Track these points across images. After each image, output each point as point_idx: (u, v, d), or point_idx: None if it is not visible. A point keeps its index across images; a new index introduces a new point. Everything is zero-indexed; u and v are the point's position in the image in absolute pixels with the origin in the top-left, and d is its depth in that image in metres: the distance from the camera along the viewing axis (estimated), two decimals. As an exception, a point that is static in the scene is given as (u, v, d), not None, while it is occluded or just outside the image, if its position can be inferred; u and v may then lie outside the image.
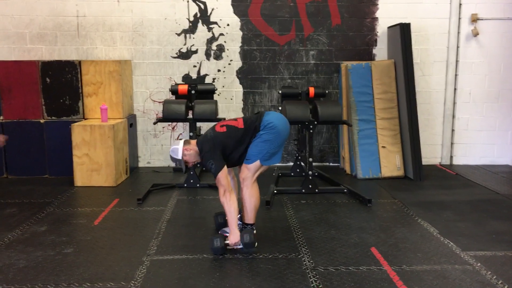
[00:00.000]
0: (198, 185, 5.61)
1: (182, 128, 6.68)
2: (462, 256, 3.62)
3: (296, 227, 4.27)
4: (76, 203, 5.07)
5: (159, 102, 6.59)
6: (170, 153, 3.85)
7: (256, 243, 3.71)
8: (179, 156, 3.79)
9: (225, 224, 4.03)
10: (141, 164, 6.75)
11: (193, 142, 3.86)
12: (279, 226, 4.31)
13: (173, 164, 6.69)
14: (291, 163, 6.56)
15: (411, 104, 5.92)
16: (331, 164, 6.83)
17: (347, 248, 3.79)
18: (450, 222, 4.38)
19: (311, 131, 5.29)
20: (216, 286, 3.16)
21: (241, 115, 6.64)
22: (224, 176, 3.66)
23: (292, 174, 6.17)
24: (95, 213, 4.70)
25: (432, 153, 6.81)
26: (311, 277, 3.28)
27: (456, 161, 6.85)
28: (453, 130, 6.79)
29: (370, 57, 6.61)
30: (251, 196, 3.82)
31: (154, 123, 5.58)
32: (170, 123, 6.60)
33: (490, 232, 4.14)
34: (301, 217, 4.54)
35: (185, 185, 5.61)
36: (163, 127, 6.69)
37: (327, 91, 5.87)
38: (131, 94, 6.51)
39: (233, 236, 3.69)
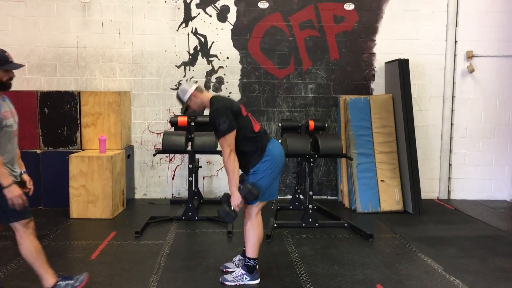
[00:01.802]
0: (196, 218, 5.53)
1: (180, 159, 6.63)
2: (469, 294, 3.57)
3: (298, 263, 4.19)
4: (72, 236, 4.95)
5: (158, 133, 6.56)
6: (178, 91, 3.77)
7: (257, 193, 3.58)
8: (185, 98, 3.72)
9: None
10: (138, 196, 6.66)
11: (207, 94, 3.78)
12: (281, 261, 4.23)
13: (169, 195, 6.62)
14: (290, 196, 6.51)
15: (410, 138, 5.94)
16: (329, 197, 6.79)
17: (352, 285, 3.72)
18: (453, 259, 4.33)
19: (311, 164, 5.27)
20: (220, 324, 3.07)
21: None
22: (233, 136, 3.54)
23: (291, 207, 6.11)
24: (92, 246, 4.59)
25: (429, 187, 6.81)
26: (318, 315, 3.19)
27: (453, 196, 6.84)
28: (450, 164, 6.81)
29: (368, 91, 6.68)
30: (254, 229, 3.74)
31: (154, 155, 5.53)
32: (167, 154, 6.55)
33: (495, 269, 4.09)
34: (302, 252, 4.46)
35: (183, 217, 5.52)
36: (161, 159, 6.63)
37: (326, 125, 5.88)
38: (129, 125, 6.48)
39: (235, 199, 3.56)
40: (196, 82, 3.89)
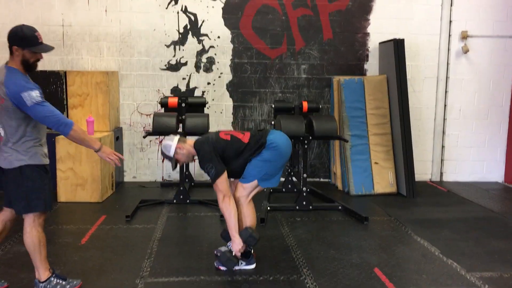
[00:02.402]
0: (188, 201, 5.42)
1: (170, 142, 6.48)
2: (468, 277, 3.52)
3: (294, 246, 4.11)
4: (60, 220, 4.82)
5: (147, 115, 6.40)
6: (161, 148, 3.67)
7: (258, 236, 3.58)
8: (171, 154, 3.60)
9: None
10: (127, 178, 6.52)
11: (189, 141, 3.67)
12: (276, 245, 4.16)
13: (159, 178, 6.50)
14: (282, 179, 6.41)
15: (404, 120, 5.86)
16: (321, 179, 6.72)
17: (350, 269, 3.66)
18: (450, 241, 4.29)
19: (305, 146, 5.17)
20: (217, 311, 2.98)
21: (230, 128, 6.49)
22: (223, 180, 3.49)
23: (284, 190, 6.03)
24: (81, 231, 4.46)
25: (422, 169, 6.76)
26: (316, 301, 3.13)
27: (446, 178, 6.82)
28: (443, 146, 6.77)
29: (362, 72, 6.56)
30: (247, 215, 3.67)
31: (144, 137, 5.38)
32: (157, 136, 6.40)
33: (492, 251, 4.06)
34: (298, 236, 4.39)
35: (175, 201, 5.41)
36: (150, 141, 6.48)
37: (320, 106, 5.76)
38: (117, 106, 6.30)
39: (236, 244, 3.52)
40: (177, 134, 3.80)
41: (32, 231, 3.09)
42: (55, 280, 3.19)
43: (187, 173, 6.19)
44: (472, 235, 4.48)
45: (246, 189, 3.61)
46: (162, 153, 3.69)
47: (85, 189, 5.40)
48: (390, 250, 4.09)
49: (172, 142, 3.63)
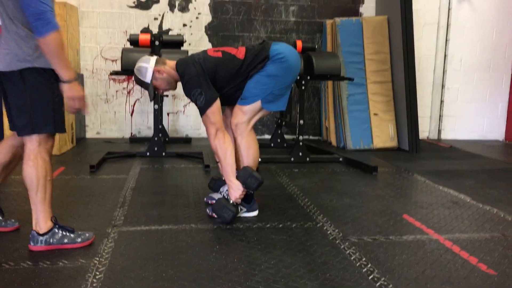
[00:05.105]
0: (163, 154, 4.62)
1: (140, 92, 5.63)
2: (518, 222, 2.90)
3: (299, 195, 3.40)
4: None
5: (112, 60, 5.51)
6: (134, 72, 2.85)
7: (261, 177, 2.82)
8: (147, 79, 2.81)
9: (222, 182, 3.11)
10: (89, 134, 5.64)
11: (171, 62, 2.87)
12: (278, 194, 3.43)
13: (128, 135, 5.65)
14: (268, 136, 5.69)
15: (409, 67, 5.21)
16: (311, 137, 6.03)
17: (374, 216, 2.97)
18: (478, 189, 3.68)
19: (303, 87, 4.45)
20: (220, 261, 2.22)
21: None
22: (216, 110, 2.73)
23: (272, 145, 5.30)
24: (34, 182, 3.58)
25: (419, 126, 6.15)
26: (346, 248, 2.42)
27: (444, 135, 6.27)
28: (442, 101, 6.20)
29: (356, 15, 5.87)
30: (249, 147, 2.90)
31: (111, 74, 4.50)
32: (125, 86, 5.54)
33: (530, 198, 3.47)
34: (300, 185, 3.67)
35: (148, 153, 4.60)
36: (117, 91, 5.61)
37: (316, 46, 5.04)
38: (77, 49, 5.39)
39: (234, 189, 2.77)
40: (152, 54, 2.95)
41: (37, 159, 2.22)
42: (60, 231, 2.34)
43: (160, 127, 5.35)
44: (500, 185, 3.88)
45: (247, 114, 2.84)
46: (136, 79, 2.88)
47: (39, 140, 4.49)
48: (414, 198, 3.45)
49: (148, 64, 2.83)
